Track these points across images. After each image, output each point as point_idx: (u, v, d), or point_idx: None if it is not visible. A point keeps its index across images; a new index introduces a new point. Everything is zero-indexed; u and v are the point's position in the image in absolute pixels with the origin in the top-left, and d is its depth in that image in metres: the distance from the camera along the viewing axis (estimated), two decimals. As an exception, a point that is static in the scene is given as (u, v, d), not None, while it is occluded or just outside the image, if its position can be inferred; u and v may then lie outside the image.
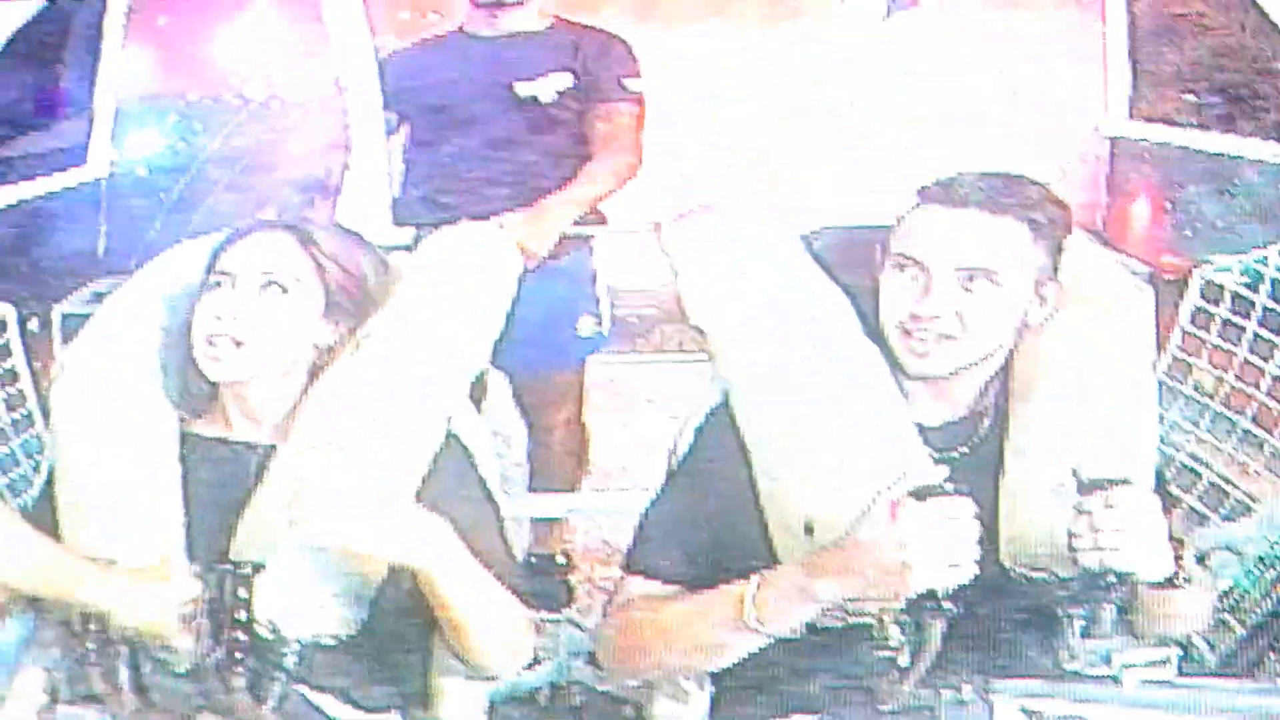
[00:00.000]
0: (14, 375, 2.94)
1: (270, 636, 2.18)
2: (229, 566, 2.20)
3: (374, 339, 2.36)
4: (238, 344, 2.30)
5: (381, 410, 2.31)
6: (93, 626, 2.21)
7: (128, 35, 3.20)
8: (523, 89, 3.20)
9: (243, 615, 2.18)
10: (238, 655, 2.19)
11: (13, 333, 2.96)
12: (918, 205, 2.30)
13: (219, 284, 2.33)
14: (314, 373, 2.36)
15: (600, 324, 3.05)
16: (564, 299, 3.05)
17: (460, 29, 3.34)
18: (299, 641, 2.18)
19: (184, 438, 2.36)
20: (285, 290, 2.33)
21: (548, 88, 3.12)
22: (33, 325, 3.03)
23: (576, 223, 3.05)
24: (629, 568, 2.36)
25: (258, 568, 2.18)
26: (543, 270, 3.05)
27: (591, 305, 3.06)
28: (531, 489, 2.98)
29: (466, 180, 3.16)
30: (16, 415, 2.91)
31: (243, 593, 2.18)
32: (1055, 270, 2.30)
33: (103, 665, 2.22)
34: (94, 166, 3.23)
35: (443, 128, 3.22)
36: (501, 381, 3.05)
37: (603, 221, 3.09)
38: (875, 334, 2.31)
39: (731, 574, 2.27)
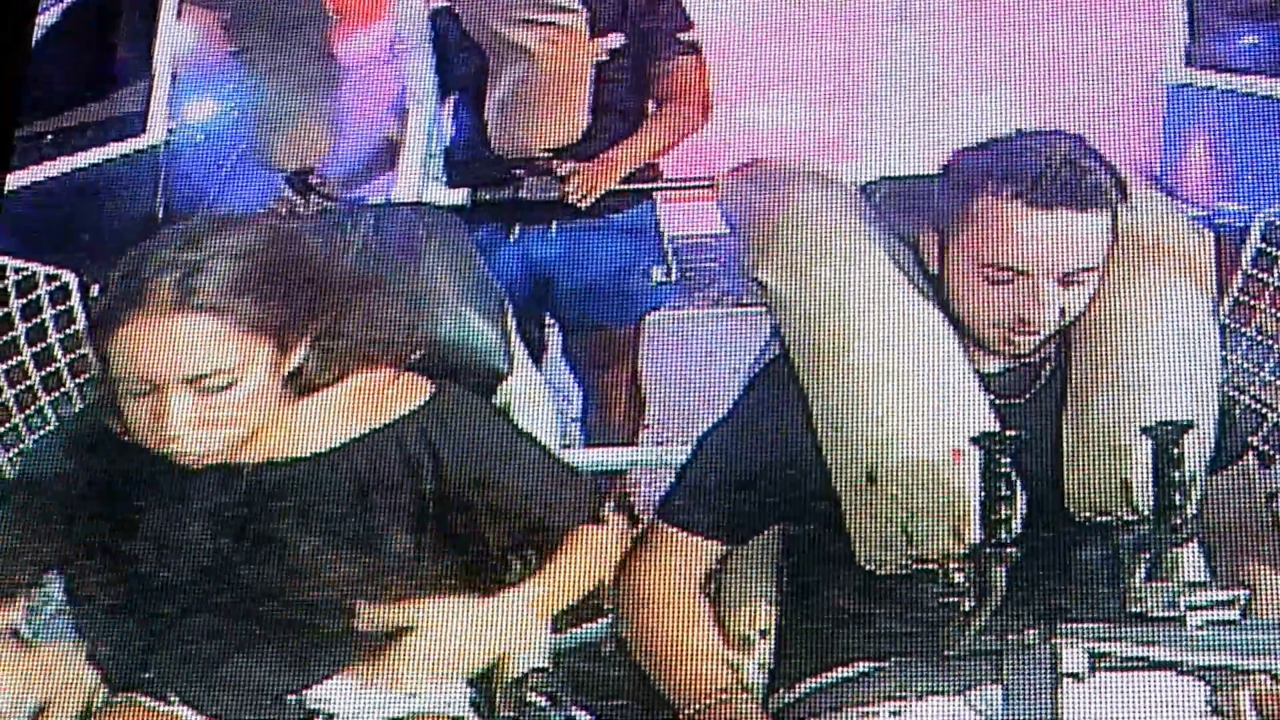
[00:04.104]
0: (78, 341, 2.96)
1: None
2: None
3: None
4: (215, 427, 2.09)
5: None
6: None
7: (183, 2, 3.23)
8: None
9: None
10: None
11: (75, 299, 2.99)
12: (987, 192, 2.25)
13: (148, 391, 2.06)
14: (303, 390, 2.17)
15: (669, 274, 3.07)
16: (626, 254, 3.07)
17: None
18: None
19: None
20: (236, 381, 2.08)
21: (600, 48, 3.13)
22: (94, 291, 3.06)
23: (634, 179, 3.07)
24: (665, 516, 2.38)
25: None
26: (603, 226, 3.07)
27: (657, 258, 3.08)
28: (589, 444, 3.00)
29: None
30: (80, 380, 2.94)
31: None
32: None
33: None
34: (152, 134, 3.25)
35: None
36: (556, 337, 3.08)
37: (658, 176, 3.10)
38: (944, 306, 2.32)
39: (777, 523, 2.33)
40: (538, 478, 2.31)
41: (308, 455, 2.16)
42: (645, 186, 3.10)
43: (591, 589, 2.30)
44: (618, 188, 3.07)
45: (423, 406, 2.23)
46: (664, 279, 3.06)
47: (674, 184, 3.12)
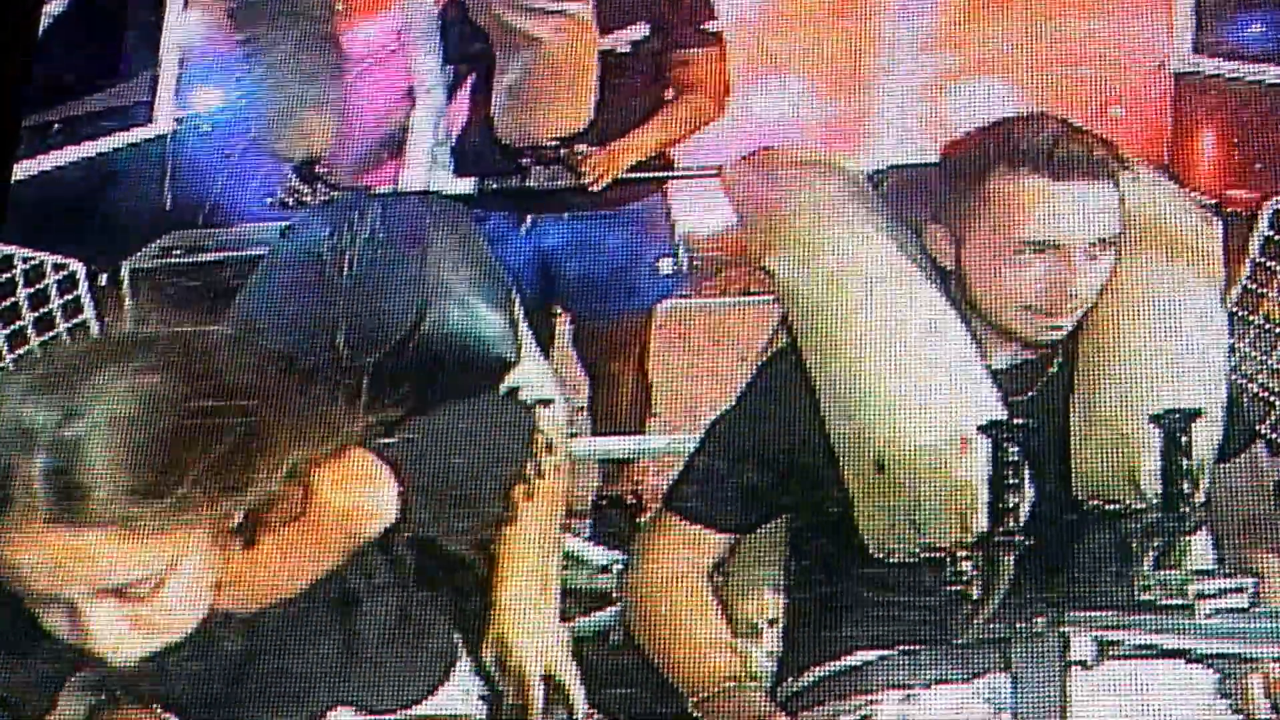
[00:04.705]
0: (85, 330, 2.97)
1: None
2: None
3: None
4: (156, 628, 1.69)
5: None
6: None
7: (190, -8, 3.24)
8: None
9: None
10: None
11: (82, 288, 3.00)
12: (999, 174, 2.25)
13: (57, 604, 1.61)
14: (252, 539, 1.75)
15: (678, 264, 3.07)
16: (636, 244, 3.07)
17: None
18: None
19: None
20: (165, 581, 1.64)
21: (622, 39, 3.13)
22: (101, 280, 3.06)
23: (645, 167, 3.07)
24: (670, 505, 2.38)
25: None
26: (613, 216, 3.07)
27: (667, 248, 3.08)
28: (596, 433, 3.00)
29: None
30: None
31: None
32: None
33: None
34: (159, 123, 3.25)
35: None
36: (566, 327, 3.08)
37: (669, 165, 3.10)
38: (954, 291, 2.31)
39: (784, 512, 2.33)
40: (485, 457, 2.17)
41: (294, 595, 1.86)
42: (653, 175, 3.10)
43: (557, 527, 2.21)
44: (628, 176, 3.07)
45: (400, 517, 1.92)
46: (674, 269, 3.06)
47: (681, 173, 3.12)
